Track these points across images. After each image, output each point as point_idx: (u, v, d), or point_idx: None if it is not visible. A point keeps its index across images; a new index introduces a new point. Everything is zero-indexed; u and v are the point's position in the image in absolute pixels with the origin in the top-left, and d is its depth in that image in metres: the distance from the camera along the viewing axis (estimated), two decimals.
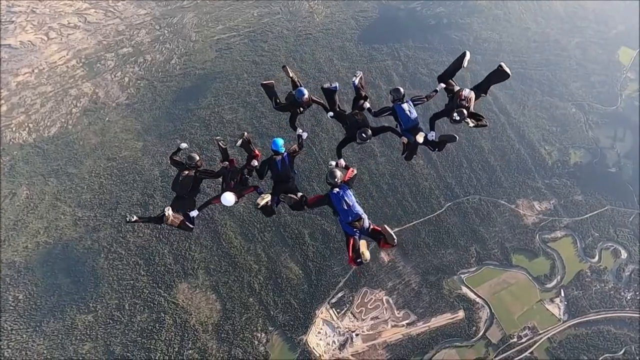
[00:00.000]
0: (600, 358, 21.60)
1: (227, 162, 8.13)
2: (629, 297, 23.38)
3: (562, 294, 23.33)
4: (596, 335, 22.37)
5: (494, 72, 7.82)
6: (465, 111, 7.28)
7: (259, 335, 21.42)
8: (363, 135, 7.63)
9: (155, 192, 23.97)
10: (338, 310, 22.42)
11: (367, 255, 6.80)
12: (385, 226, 6.92)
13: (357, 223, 6.83)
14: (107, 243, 22.37)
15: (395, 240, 6.79)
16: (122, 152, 25.04)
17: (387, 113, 8.11)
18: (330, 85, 8.39)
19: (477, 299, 23.08)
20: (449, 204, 25.69)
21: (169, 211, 7.42)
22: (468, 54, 7.91)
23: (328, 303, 22.46)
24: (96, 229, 22.70)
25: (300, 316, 22.04)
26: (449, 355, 21.62)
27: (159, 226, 23.08)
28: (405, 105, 7.80)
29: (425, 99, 8.21)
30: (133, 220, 7.65)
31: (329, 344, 21.63)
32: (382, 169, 26.66)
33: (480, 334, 22.29)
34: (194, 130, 26.21)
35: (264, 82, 8.73)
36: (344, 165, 7.78)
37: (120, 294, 21.33)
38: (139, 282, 21.70)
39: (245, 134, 8.45)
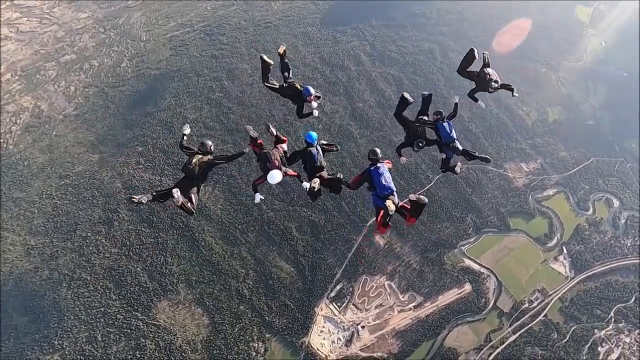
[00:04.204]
0: (614, 309, 20.91)
1: (253, 146, 8.52)
2: (629, 244, 22.98)
3: (565, 251, 22.60)
4: (605, 287, 21.72)
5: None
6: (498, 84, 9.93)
7: (256, 345, 19.24)
8: (420, 144, 9.45)
9: (119, 206, 21.41)
10: (339, 304, 20.60)
11: (392, 207, 7.45)
12: (410, 195, 7.67)
13: (390, 196, 7.72)
14: (68, 270, 19.58)
15: (426, 200, 7.59)
16: (75, 168, 22.29)
17: (429, 126, 9.89)
18: (425, 93, 10.49)
19: (482, 270, 21.93)
20: (438, 176, 24.60)
21: (177, 193, 7.43)
22: (475, 49, 9.98)
23: (327, 298, 20.60)
24: (54, 256, 19.85)
25: (299, 317, 20.04)
26: (462, 333, 20.25)
27: (127, 243, 20.61)
28: (445, 125, 9.55)
29: (454, 115, 9.91)
30: (144, 201, 7.56)
31: (334, 342, 19.72)
32: (363, 150, 25.21)
33: (491, 304, 21.09)
34: (155, 135, 23.83)
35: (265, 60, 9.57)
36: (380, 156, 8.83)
37: (90, 325, 18.59)
38: (110, 308, 19.04)
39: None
